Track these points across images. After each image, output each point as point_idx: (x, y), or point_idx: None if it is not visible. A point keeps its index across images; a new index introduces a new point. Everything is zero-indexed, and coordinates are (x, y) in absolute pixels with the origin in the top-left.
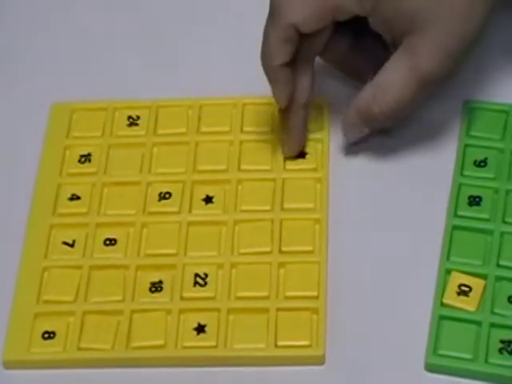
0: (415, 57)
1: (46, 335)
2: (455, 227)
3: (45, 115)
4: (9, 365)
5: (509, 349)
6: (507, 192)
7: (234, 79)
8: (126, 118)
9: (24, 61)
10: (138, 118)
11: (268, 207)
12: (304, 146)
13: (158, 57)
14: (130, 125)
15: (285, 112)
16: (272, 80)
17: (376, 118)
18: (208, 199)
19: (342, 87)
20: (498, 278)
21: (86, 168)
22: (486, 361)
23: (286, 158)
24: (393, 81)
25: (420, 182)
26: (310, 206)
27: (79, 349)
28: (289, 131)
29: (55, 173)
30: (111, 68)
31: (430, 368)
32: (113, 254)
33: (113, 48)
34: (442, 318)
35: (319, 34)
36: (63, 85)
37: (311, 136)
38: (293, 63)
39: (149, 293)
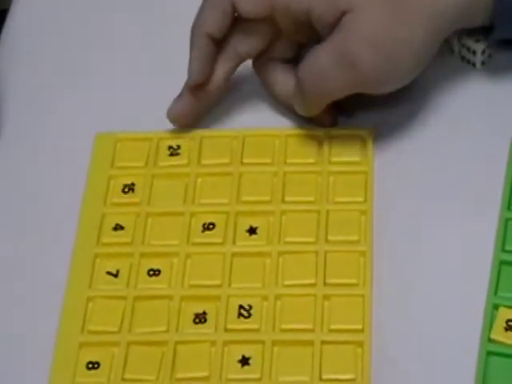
0: (344, 35)
1: (91, 365)
2: (503, 262)
3: (89, 145)
4: None
5: None
6: None
7: (277, 111)
8: (166, 147)
9: (68, 90)
10: (179, 147)
11: (312, 239)
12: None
13: None
14: (171, 155)
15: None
16: (194, 49)
17: (301, 90)
18: (252, 230)
19: (387, 117)
20: None
21: (130, 198)
22: None
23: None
24: (317, 53)
25: (467, 216)
26: (355, 238)
27: (123, 380)
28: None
29: (99, 202)
30: (156, 98)
31: None
32: (157, 285)
33: (158, 78)
34: (490, 353)
35: (258, 31)
36: (108, 114)
37: (356, 168)
38: (220, 45)
39: (193, 324)
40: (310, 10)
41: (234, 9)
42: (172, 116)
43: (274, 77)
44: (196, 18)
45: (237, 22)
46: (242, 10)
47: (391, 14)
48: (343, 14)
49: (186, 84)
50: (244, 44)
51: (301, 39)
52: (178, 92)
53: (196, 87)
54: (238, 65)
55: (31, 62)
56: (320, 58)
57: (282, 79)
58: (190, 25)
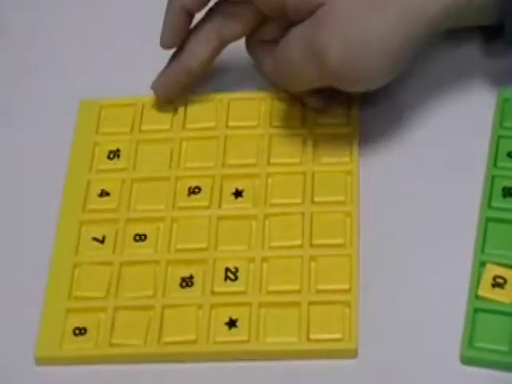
0: (315, 27)
1: (78, 331)
2: (489, 219)
3: (74, 112)
4: (41, 361)
5: None
6: None
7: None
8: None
9: (52, 58)
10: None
11: (298, 200)
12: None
13: None
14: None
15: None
16: (168, 13)
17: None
18: (238, 193)
19: None
20: None
21: (115, 164)
22: None
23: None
24: (289, 40)
25: (453, 174)
26: (341, 198)
27: (111, 345)
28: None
29: (85, 169)
30: (139, 64)
31: (466, 361)
32: (143, 250)
33: (141, 44)
34: (477, 310)
35: (242, 15)
36: (91, 81)
37: (341, 130)
38: (204, 27)
39: (180, 288)
40: (285, 2)
41: None
42: (155, 90)
43: (261, 57)
44: None
45: (221, 4)
46: None
47: (366, 9)
48: (318, 6)
49: (170, 60)
50: (228, 28)
51: (287, 22)
52: (161, 58)
53: (181, 66)
54: (221, 47)
55: (13, 26)
56: (290, 47)
57: (269, 60)
58: None
